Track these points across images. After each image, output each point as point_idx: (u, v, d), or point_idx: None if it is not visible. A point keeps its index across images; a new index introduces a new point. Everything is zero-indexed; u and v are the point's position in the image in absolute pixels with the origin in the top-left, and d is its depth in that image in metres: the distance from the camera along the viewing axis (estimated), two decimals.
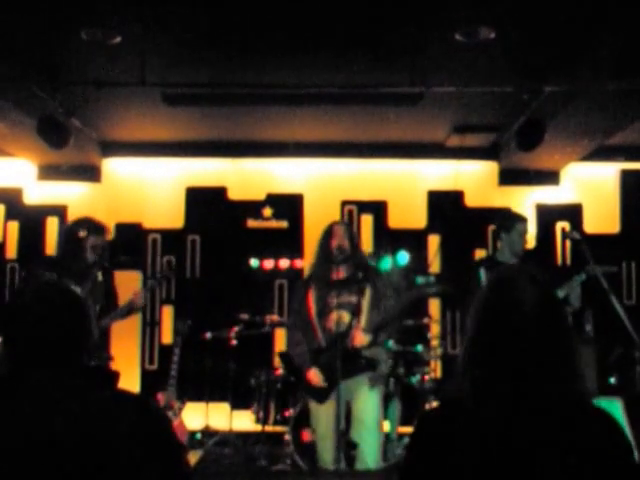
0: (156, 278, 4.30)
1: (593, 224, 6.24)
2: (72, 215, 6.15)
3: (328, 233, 3.70)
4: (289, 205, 6.23)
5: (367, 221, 6.23)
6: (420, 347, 4.98)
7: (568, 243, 6.11)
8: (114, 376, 1.62)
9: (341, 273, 3.67)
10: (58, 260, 3.96)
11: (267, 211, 6.17)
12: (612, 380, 4.95)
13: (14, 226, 6.27)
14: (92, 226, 3.97)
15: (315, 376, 3.55)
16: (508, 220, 4.25)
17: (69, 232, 4.02)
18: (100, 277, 3.92)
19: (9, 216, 6.28)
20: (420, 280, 4.77)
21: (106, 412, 1.36)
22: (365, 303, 3.60)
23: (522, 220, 4.24)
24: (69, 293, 1.56)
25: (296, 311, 3.75)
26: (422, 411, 4.69)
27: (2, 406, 1.38)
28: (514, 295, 1.39)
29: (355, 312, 3.57)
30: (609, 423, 1.32)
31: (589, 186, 6.33)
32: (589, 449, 1.27)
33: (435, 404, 4.73)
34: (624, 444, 1.30)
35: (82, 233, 3.86)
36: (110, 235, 4.09)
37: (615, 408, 3.97)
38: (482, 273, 4.09)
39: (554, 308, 1.41)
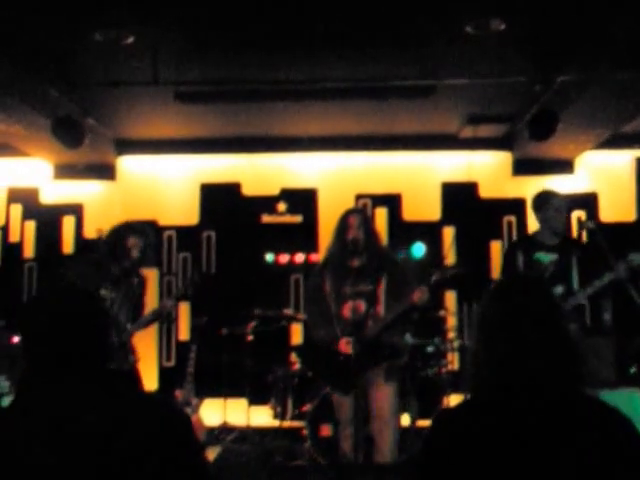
0: (184, 285, 4.31)
1: (609, 213, 6.18)
2: (88, 214, 6.25)
3: (343, 224, 3.69)
4: (303, 200, 6.23)
5: (381, 214, 6.22)
6: (437, 340, 4.98)
7: (584, 233, 6.05)
8: (138, 378, 1.63)
9: (357, 261, 3.65)
10: (98, 261, 3.92)
11: (281, 206, 6.18)
12: (632, 370, 4.91)
13: (31, 225, 6.34)
14: (132, 227, 3.97)
15: (347, 346, 3.51)
16: (540, 197, 4.05)
17: (112, 235, 3.98)
18: (136, 283, 3.95)
19: (26, 216, 6.34)
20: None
21: (131, 414, 1.36)
22: (382, 292, 3.59)
23: (556, 195, 4.05)
24: (88, 296, 1.55)
25: (312, 298, 3.74)
26: (438, 410, 4.69)
27: (27, 411, 1.39)
28: (520, 298, 1.42)
29: (371, 301, 3.56)
30: (623, 422, 1.33)
31: (604, 174, 6.27)
32: (604, 447, 1.28)
33: (452, 398, 4.74)
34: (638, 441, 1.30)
35: (125, 238, 3.86)
36: (151, 236, 4.04)
37: (635, 398, 3.95)
38: (519, 257, 3.97)
39: (557, 312, 1.44)
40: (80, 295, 1.54)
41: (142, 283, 4.08)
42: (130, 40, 4.09)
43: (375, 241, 3.71)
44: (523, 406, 1.33)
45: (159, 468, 1.33)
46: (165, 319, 4.13)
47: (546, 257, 3.94)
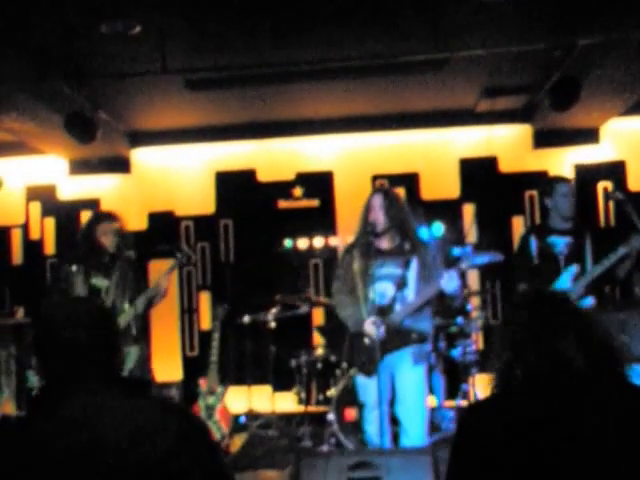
0: (177, 259, 4.31)
1: (637, 181, 5.99)
2: (105, 207, 6.25)
3: (366, 205, 3.61)
4: (319, 183, 6.16)
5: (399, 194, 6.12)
6: (460, 319, 4.90)
7: (611, 204, 5.89)
8: (147, 385, 1.64)
9: (385, 243, 3.57)
10: (84, 255, 4.00)
11: (297, 191, 6.11)
12: None
13: (50, 222, 6.39)
14: (100, 215, 4.07)
15: (372, 326, 3.43)
16: (547, 184, 4.20)
17: (84, 229, 4.09)
18: (127, 268, 3.97)
19: (45, 212, 6.39)
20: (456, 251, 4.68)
21: (148, 422, 1.36)
22: (412, 275, 3.50)
23: (562, 180, 4.18)
24: (98, 308, 1.58)
25: (341, 277, 3.66)
26: (469, 403, 4.64)
27: (45, 422, 1.39)
28: (546, 309, 1.46)
29: (399, 284, 3.47)
30: None
31: (631, 142, 6.06)
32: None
33: (478, 378, 4.67)
34: None
35: (97, 228, 3.93)
36: (122, 222, 4.10)
37: None
38: (533, 241, 4.06)
39: (585, 319, 1.48)
40: (92, 306, 1.56)
41: (133, 264, 4.12)
42: (137, 30, 4.04)
43: (403, 222, 3.57)
44: (556, 397, 1.33)
45: (179, 474, 1.32)
46: (162, 293, 4.16)
47: (559, 240, 4.03)
